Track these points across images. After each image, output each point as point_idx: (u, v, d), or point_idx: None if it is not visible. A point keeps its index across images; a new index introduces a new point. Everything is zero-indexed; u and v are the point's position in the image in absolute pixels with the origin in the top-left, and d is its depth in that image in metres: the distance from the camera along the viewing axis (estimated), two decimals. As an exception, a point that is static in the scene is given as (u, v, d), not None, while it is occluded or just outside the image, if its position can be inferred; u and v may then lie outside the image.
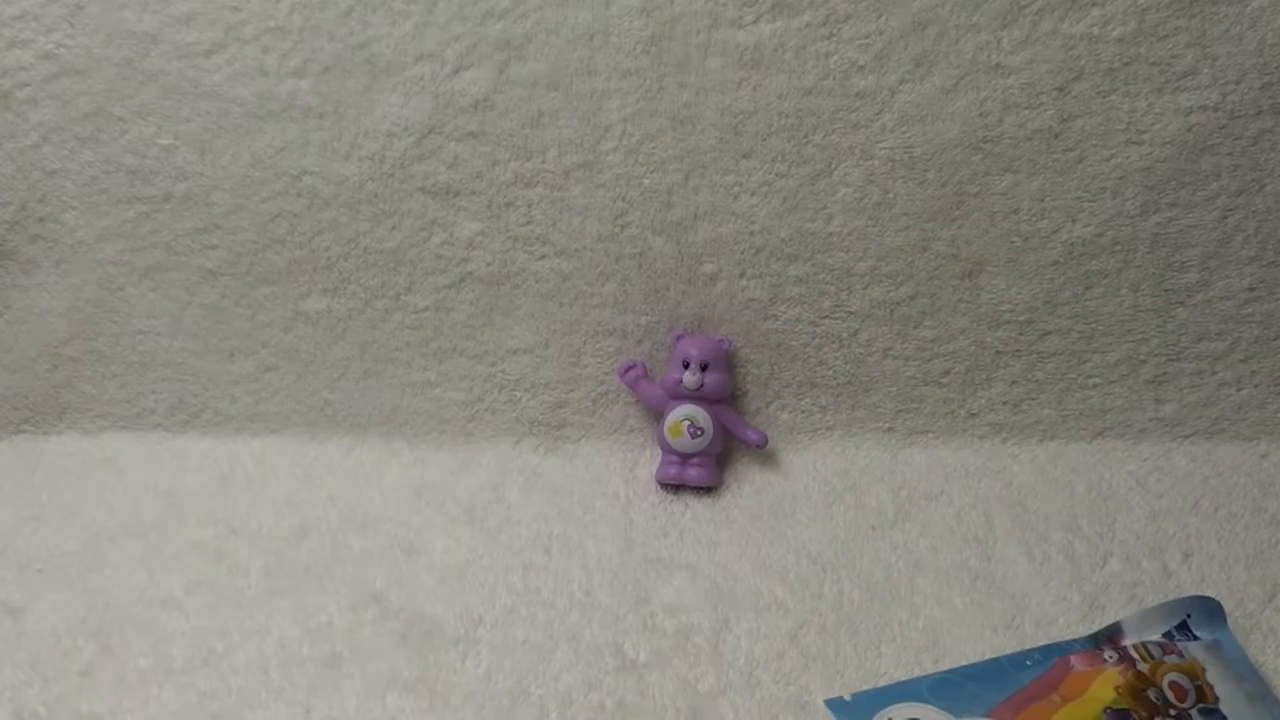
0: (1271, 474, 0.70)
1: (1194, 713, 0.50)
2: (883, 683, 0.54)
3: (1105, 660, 0.53)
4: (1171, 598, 0.57)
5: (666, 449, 0.72)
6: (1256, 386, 0.73)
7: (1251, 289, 0.71)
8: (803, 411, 0.76)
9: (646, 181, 0.71)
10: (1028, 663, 0.54)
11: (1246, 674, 0.53)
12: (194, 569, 0.65)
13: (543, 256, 0.74)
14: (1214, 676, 0.52)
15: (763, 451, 0.74)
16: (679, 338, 0.73)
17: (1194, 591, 0.58)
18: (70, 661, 0.58)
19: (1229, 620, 0.56)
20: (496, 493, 0.71)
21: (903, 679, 0.54)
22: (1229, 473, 0.70)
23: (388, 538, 0.67)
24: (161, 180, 0.73)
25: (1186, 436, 0.73)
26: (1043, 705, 0.50)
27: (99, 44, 0.71)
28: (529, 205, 0.72)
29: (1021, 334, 0.73)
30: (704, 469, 0.71)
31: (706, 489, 0.71)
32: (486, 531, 0.68)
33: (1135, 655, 0.52)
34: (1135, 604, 0.59)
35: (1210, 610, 0.56)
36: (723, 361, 0.72)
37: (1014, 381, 0.74)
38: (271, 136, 0.72)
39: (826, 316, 0.74)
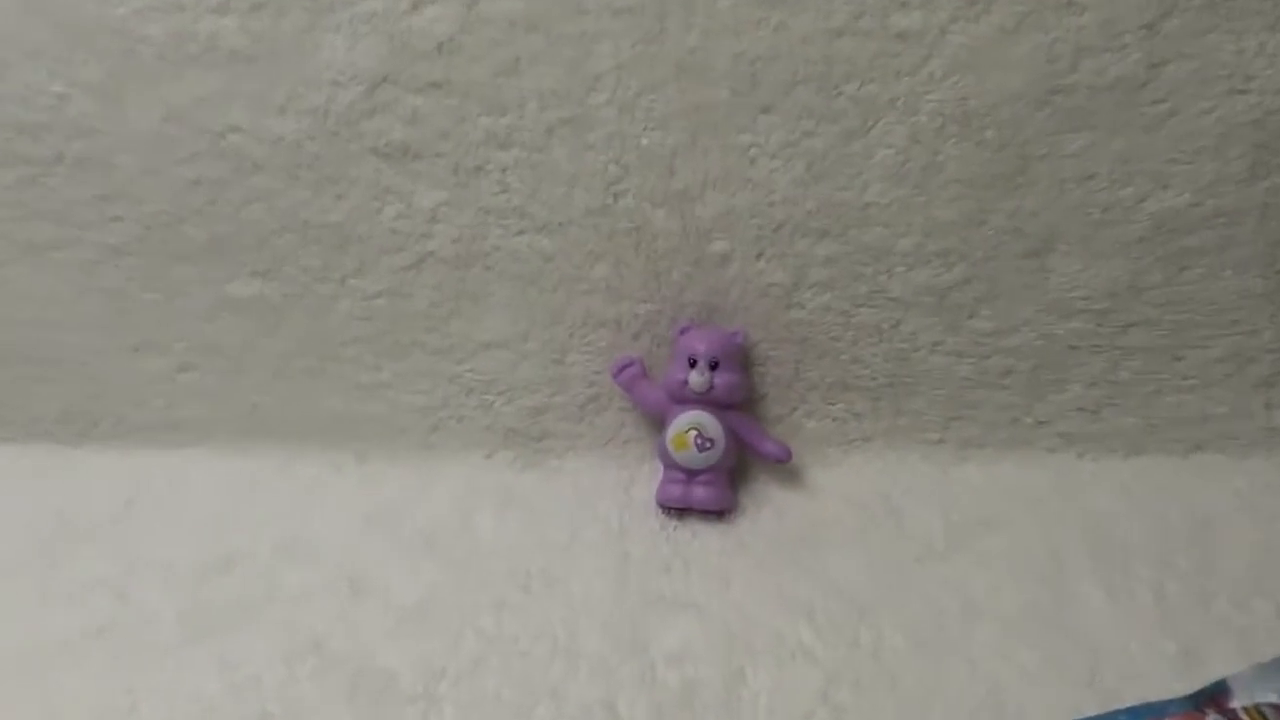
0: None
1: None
2: (937, 757, 0.50)
3: (1209, 726, 0.48)
4: (1291, 649, 0.53)
5: (669, 464, 0.70)
6: (1384, 389, 0.69)
7: (1381, 270, 0.68)
8: (833, 419, 0.74)
9: (645, 142, 0.68)
10: (1113, 729, 0.50)
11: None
12: (92, 611, 0.62)
13: (520, 232, 0.71)
14: (1348, 749, 0.47)
15: (785, 467, 0.72)
16: (684, 331, 0.71)
17: (1319, 642, 0.54)
18: (-64, 727, 0.54)
19: (1367, 680, 0.51)
20: (463, 518, 0.70)
21: (963, 753, 0.50)
22: (1353, 493, 0.67)
23: (331, 572, 0.65)
24: (53, 137, 0.70)
25: (1300, 450, 0.70)
26: (1135, 781, 0.46)
27: (-20, -28, 0.67)
28: (503, 170, 0.69)
29: (1100, 325, 0.70)
30: (714, 489, 0.69)
31: (717, 513, 0.70)
32: (451, 564, 0.66)
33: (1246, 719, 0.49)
34: (1244, 656, 0.55)
35: (1342, 667, 0.51)
36: (736, 359, 0.70)
37: (1091, 383, 0.71)
38: (189, 85, 0.68)
39: (862, 304, 0.72)
